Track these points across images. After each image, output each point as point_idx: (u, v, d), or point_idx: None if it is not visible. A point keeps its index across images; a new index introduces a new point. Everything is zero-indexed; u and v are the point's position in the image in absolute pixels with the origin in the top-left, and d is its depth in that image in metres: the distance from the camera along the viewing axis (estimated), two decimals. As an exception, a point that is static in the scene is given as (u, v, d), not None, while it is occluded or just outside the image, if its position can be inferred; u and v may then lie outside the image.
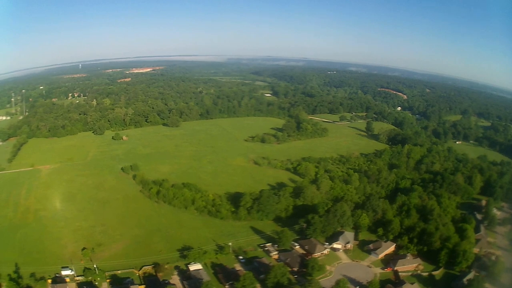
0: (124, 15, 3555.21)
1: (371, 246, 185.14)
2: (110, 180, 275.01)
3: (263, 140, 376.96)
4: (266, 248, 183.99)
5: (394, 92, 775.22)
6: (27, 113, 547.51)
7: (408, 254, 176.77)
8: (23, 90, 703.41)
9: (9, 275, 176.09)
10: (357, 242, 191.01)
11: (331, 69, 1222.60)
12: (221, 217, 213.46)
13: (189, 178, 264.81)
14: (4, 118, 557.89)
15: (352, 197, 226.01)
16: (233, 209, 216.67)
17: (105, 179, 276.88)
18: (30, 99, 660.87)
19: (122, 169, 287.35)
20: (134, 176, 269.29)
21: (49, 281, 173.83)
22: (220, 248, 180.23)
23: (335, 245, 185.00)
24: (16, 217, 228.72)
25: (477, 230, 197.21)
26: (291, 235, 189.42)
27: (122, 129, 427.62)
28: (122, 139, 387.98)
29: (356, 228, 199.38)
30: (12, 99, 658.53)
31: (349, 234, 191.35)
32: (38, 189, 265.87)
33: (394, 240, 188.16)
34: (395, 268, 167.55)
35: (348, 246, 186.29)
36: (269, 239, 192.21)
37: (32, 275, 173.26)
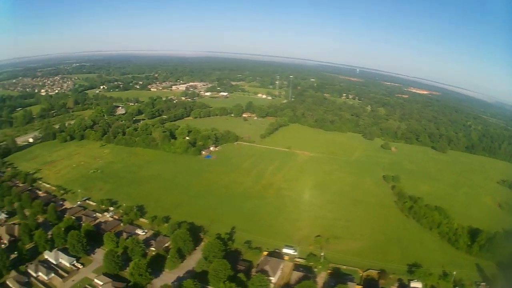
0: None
1: None
2: (369, 183, 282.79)
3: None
4: (479, 287, 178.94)
5: None
6: (293, 99, 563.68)
7: None
8: (291, 76, 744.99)
9: (218, 234, 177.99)
10: None
11: None
12: (457, 246, 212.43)
13: (442, 202, 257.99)
14: (264, 96, 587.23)
15: None
16: (469, 243, 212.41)
17: (363, 181, 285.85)
18: (299, 87, 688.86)
19: (383, 177, 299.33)
20: (393, 187, 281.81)
21: (265, 253, 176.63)
22: (444, 275, 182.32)
23: None
24: (254, 188, 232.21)
25: None
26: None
27: (392, 141, 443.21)
28: (391, 150, 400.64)
29: None
30: (277, 82, 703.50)
31: None
32: (290, 170, 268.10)
33: None
34: None
35: None
36: (485, 278, 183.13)
37: (247, 242, 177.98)
